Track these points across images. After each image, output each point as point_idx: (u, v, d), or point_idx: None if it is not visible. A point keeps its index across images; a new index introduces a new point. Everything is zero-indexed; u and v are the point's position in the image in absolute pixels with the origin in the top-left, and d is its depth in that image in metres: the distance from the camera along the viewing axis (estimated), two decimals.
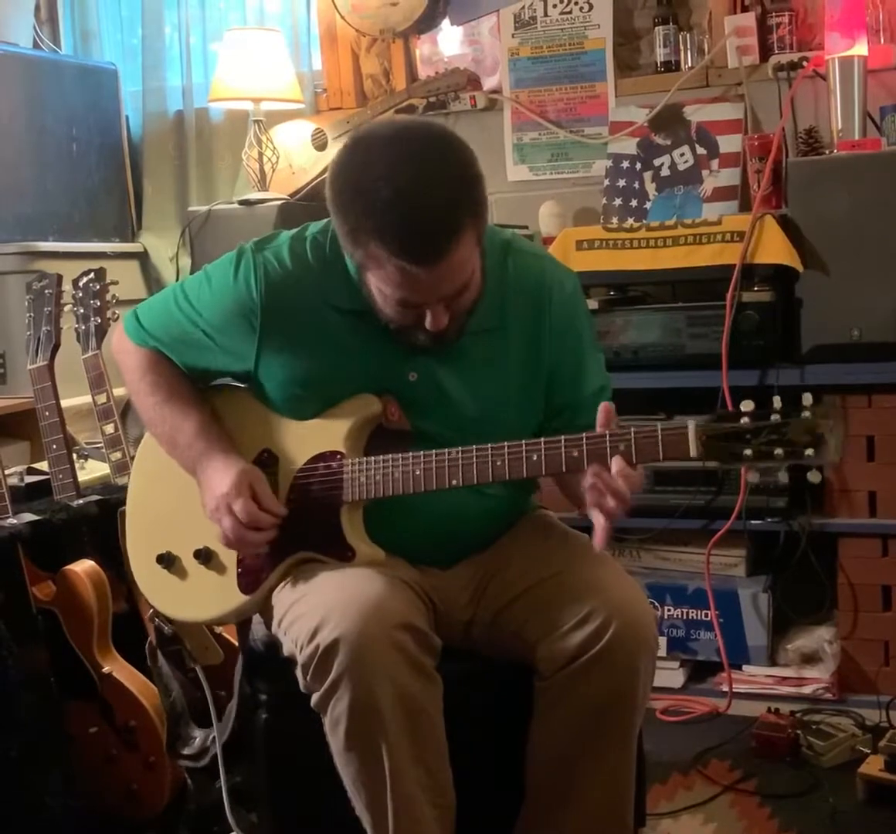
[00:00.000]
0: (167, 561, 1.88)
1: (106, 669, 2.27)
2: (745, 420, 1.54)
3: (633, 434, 1.58)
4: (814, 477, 1.49)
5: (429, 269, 1.57)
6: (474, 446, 1.66)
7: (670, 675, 2.91)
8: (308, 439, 1.78)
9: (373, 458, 1.73)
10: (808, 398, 1.53)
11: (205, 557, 1.83)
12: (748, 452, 1.53)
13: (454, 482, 1.67)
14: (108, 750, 2.28)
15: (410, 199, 1.55)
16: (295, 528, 1.77)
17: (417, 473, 1.69)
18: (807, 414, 1.52)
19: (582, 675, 1.67)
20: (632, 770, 1.75)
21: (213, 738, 1.98)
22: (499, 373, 1.78)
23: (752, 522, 2.80)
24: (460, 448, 1.67)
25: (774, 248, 2.71)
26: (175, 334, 1.86)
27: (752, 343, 2.74)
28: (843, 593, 2.76)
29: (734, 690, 2.82)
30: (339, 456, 1.75)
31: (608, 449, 1.58)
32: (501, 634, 1.78)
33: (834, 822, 2.28)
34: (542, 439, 1.63)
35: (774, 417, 1.53)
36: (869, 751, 2.46)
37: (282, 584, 1.77)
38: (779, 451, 1.52)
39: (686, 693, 2.90)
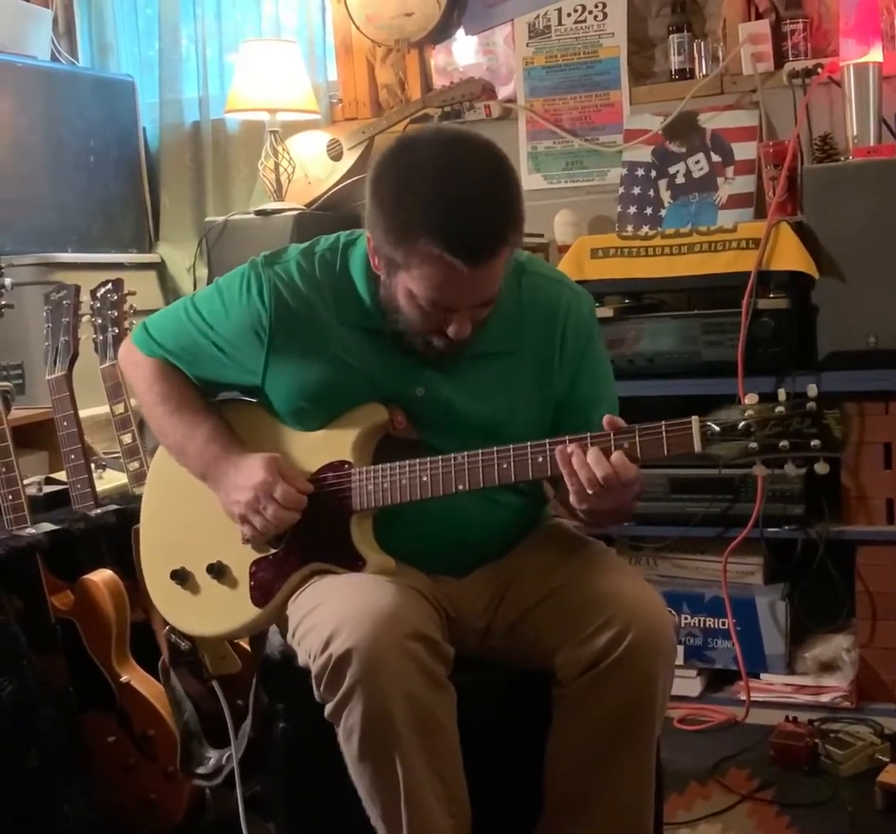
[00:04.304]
0: (181, 577, 1.88)
1: (124, 679, 2.29)
2: (749, 413, 1.54)
3: (637, 431, 1.58)
4: (821, 468, 1.48)
5: (474, 269, 1.59)
6: (480, 450, 1.67)
7: (688, 683, 2.90)
8: (316, 450, 1.79)
9: (380, 466, 1.73)
10: (812, 389, 1.53)
11: (218, 571, 1.84)
12: (753, 445, 1.53)
13: (461, 487, 1.68)
14: (126, 760, 2.29)
15: (469, 201, 1.58)
16: (306, 538, 1.77)
17: (424, 479, 1.70)
18: (811, 405, 1.52)
19: (600, 682, 1.66)
20: (652, 777, 1.74)
21: (228, 756, 1.97)
22: (507, 395, 1.79)
23: (769, 529, 2.79)
24: (466, 453, 1.68)
25: (790, 255, 2.70)
26: (185, 346, 1.88)
27: (768, 350, 2.73)
28: (861, 601, 2.75)
29: (752, 698, 2.81)
30: (346, 465, 1.76)
31: (613, 447, 1.58)
32: (519, 642, 1.78)
33: (853, 831, 2.27)
34: (547, 440, 1.64)
35: (779, 410, 1.53)
36: (888, 759, 2.45)
37: (296, 594, 1.77)
38: (784, 443, 1.52)
39: (703, 702, 2.89)
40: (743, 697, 2.82)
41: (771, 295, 2.74)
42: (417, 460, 1.71)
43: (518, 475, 1.66)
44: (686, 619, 2.92)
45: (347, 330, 1.77)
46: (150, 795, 2.28)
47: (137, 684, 2.28)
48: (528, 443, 1.65)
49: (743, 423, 1.54)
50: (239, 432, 1.87)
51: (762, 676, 2.86)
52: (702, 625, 2.91)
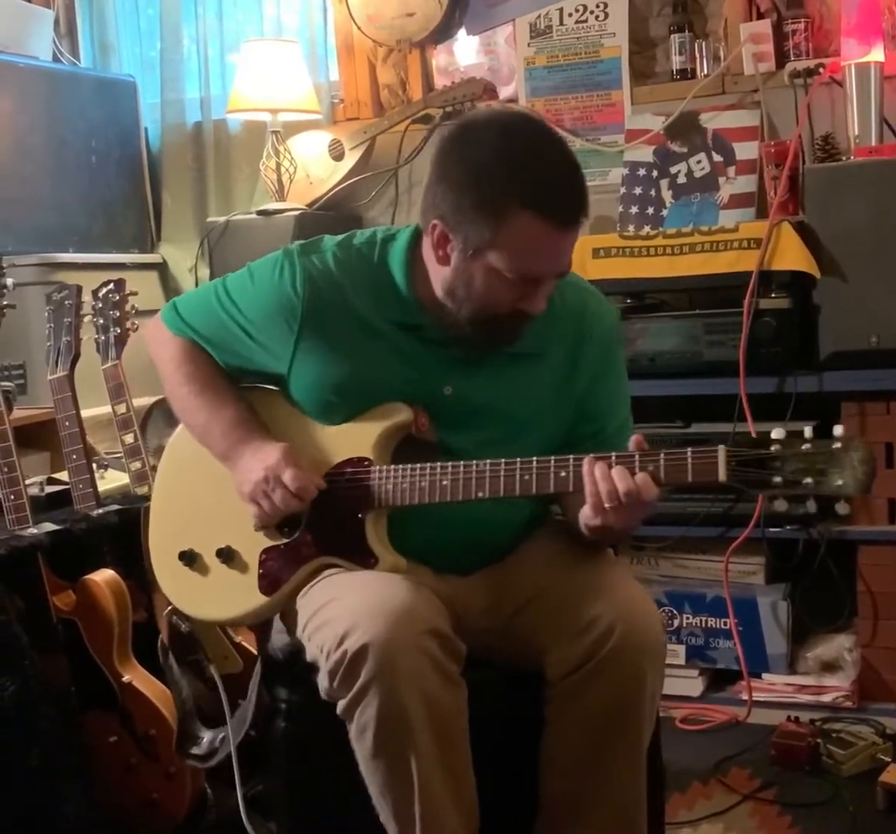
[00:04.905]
0: (189, 558, 1.87)
1: (126, 679, 2.29)
2: (775, 448, 1.54)
3: (663, 456, 1.59)
4: (842, 509, 1.49)
5: (566, 231, 1.64)
6: (503, 460, 1.67)
7: (689, 683, 2.90)
8: (336, 444, 1.78)
9: (401, 466, 1.72)
10: (839, 430, 1.55)
11: (227, 556, 1.83)
12: (778, 479, 1.54)
13: (480, 494, 1.68)
14: (127, 759, 2.29)
15: (553, 165, 1.64)
16: (319, 532, 1.77)
17: (444, 483, 1.69)
18: (838, 445, 1.52)
19: (588, 681, 1.66)
20: (643, 776, 1.73)
21: (222, 738, 1.96)
22: (531, 397, 1.79)
23: (771, 529, 2.79)
24: (489, 461, 1.67)
25: (792, 255, 2.71)
26: (214, 328, 1.87)
27: (770, 350, 2.74)
28: (863, 601, 2.75)
29: (753, 698, 2.80)
30: (366, 462, 1.75)
31: (637, 469, 1.59)
32: (514, 640, 1.78)
33: (854, 831, 2.27)
34: (571, 456, 1.64)
35: (806, 447, 1.53)
36: (889, 759, 2.45)
37: (306, 588, 1.77)
38: (808, 480, 1.53)
39: (705, 702, 2.89)
40: (744, 696, 2.82)
41: (772, 295, 2.74)
42: (439, 464, 1.70)
43: (539, 488, 1.65)
44: (687, 618, 2.92)
45: (380, 324, 1.77)
46: (152, 795, 2.28)
47: (139, 684, 2.29)
48: (552, 457, 1.65)
49: (769, 456, 1.54)
50: (260, 419, 1.86)
51: (764, 675, 2.86)
52: (703, 625, 2.91)
